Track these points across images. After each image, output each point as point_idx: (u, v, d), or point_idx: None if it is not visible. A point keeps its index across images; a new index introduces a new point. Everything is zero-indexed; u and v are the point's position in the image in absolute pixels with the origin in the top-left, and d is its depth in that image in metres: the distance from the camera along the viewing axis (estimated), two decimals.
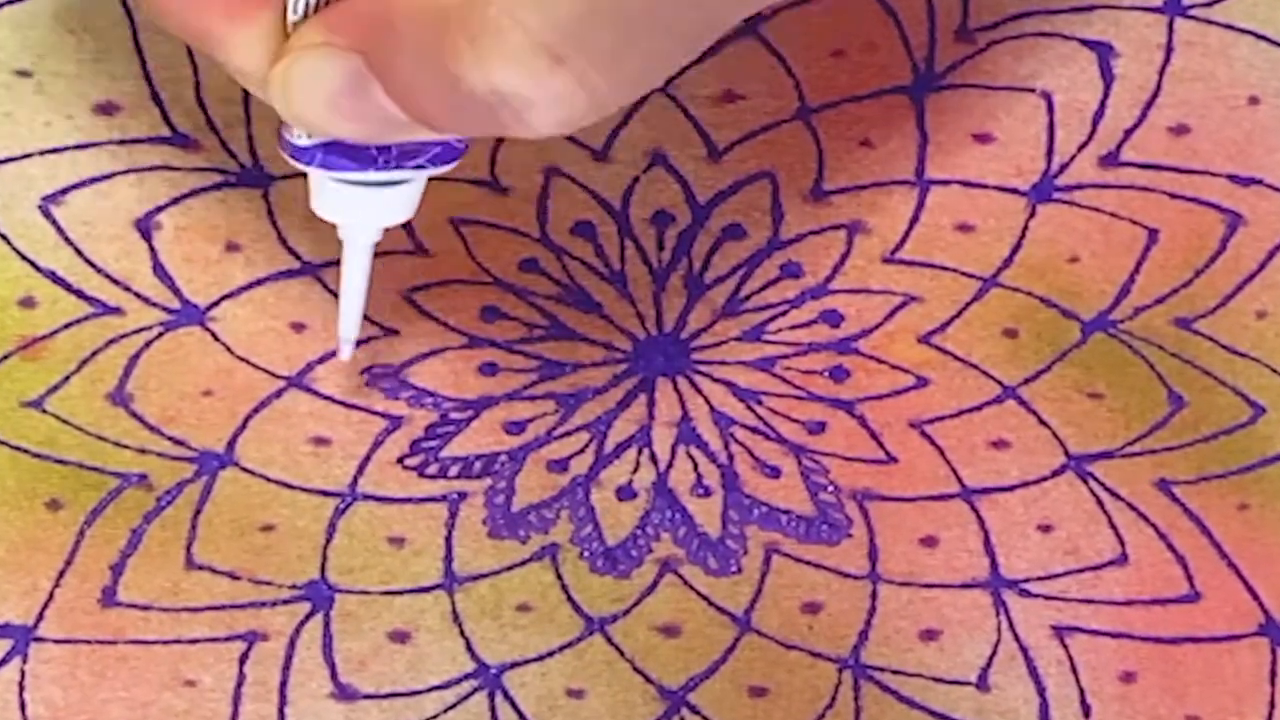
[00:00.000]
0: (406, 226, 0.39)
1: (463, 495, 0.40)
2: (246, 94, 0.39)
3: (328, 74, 0.28)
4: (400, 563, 0.39)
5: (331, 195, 0.33)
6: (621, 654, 0.39)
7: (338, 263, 0.39)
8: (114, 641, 0.38)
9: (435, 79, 0.27)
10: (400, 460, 0.40)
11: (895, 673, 0.40)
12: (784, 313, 0.40)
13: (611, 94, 0.27)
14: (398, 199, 0.33)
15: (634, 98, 0.28)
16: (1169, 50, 0.40)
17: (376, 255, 0.39)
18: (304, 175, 0.39)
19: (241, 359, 0.39)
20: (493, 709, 0.39)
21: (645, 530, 0.40)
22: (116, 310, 0.39)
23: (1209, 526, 0.40)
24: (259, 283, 0.40)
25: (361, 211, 0.33)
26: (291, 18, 0.29)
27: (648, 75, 0.28)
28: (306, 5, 0.29)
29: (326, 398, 0.40)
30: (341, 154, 0.32)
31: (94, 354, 0.39)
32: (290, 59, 0.29)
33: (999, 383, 0.41)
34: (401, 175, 0.32)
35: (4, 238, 0.39)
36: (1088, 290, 0.41)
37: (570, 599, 0.39)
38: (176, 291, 0.39)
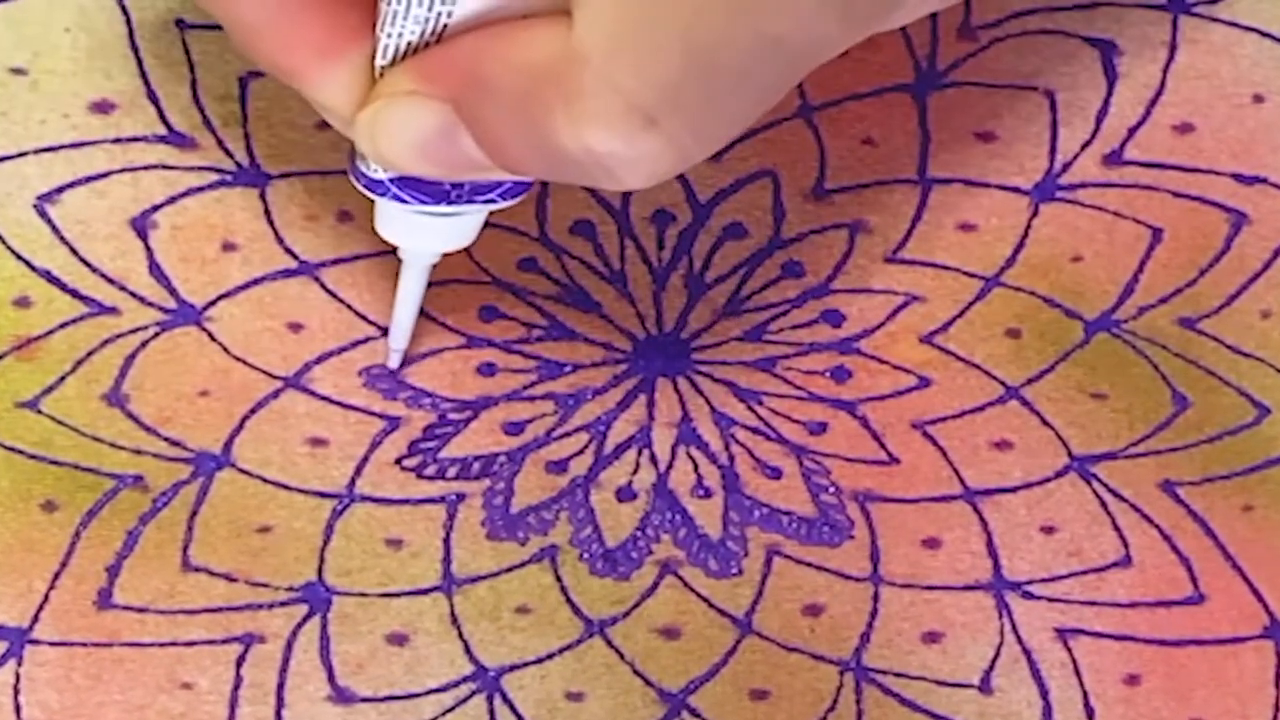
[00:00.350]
0: None
1: (461, 496, 0.39)
2: (243, 93, 0.39)
3: (418, 123, 0.29)
4: (398, 564, 0.39)
5: (397, 221, 0.34)
6: (621, 656, 0.39)
7: (335, 262, 0.39)
8: (110, 644, 0.38)
9: (527, 134, 0.28)
10: (398, 461, 0.39)
11: (897, 675, 0.39)
12: (785, 312, 0.40)
13: (698, 150, 0.28)
14: (463, 226, 0.34)
15: (714, 151, 0.29)
16: (1173, 48, 0.40)
17: (374, 255, 0.39)
18: (301, 174, 0.39)
19: (238, 359, 0.39)
20: (491, 712, 0.39)
21: (645, 532, 0.40)
22: (112, 310, 0.39)
23: (1213, 528, 0.40)
24: (256, 282, 0.39)
25: (426, 238, 0.34)
26: (380, 62, 0.30)
27: (732, 129, 0.29)
28: (395, 51, 0.29)
29: (324, 398, 0.39)
30: (415, 188, 0.32)
31: (89, 354, 0.39)
32: (380, 104, 0.29)
33: (1002, 383, 0.40)
34: (470, 209, 0.33)
35: None
36: (1091, 290, 0.41)
37: (570, 601, 0.39)
38: (173, 291, 0.39)
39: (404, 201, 0.32)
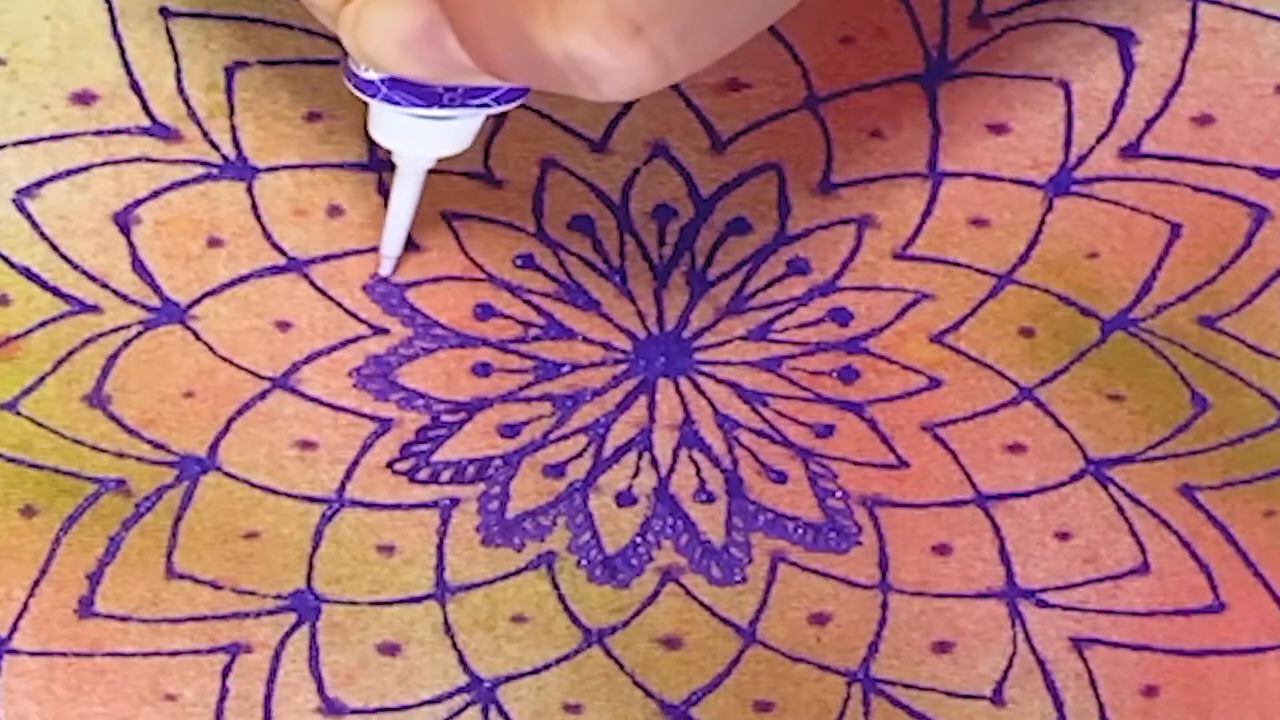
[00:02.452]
0: None
1: (455, 501, 0.39)
2: (230, 83, 0.39)
3: (402, 19, 0.29)
4: (390, 572, 0.39)
5: (390, 124, 0.34)
6: (621, 667, 0.39)
7: (325, 258, 0.39)
8: (91, 654, 0.38)
9: (508, 35, 0.28)
10: (390, 465, 0.39)
11: (907, 686, 0.39)
12: (791, 311, 0.40)
13: (682, 65, 0.28)
14: (456, 131, 0.34)
15: (700, 68, 0.28)
16: (1192, 37, 0.40)
17: (366, 251, 0.39)
18: (290, 167, 0.39)
19: (224, 359, 0.39)
20: None
21: (646, 538, 0.39)
22: (94, 308, 0.39)
23: (1234, 534, 0.40)
24: (242, 279, 0.39)
25: (420, 142, 0.34)
26: None
27: (718, 47, 0.28)
28: None
29: (313, 399, 0.39)
30: (407, 90, 0.32)
31: (70, 354, 0.39)
32: (364, 0, 0.29)
33: (1015, 384, 0.40)
34: (464, 113, 0.33)
35: None
36: (1107, 287, 0.40)
37: (567, 610, 0.39)
38: (156, 289, 0.39)
39: (396, 104, 0.32)
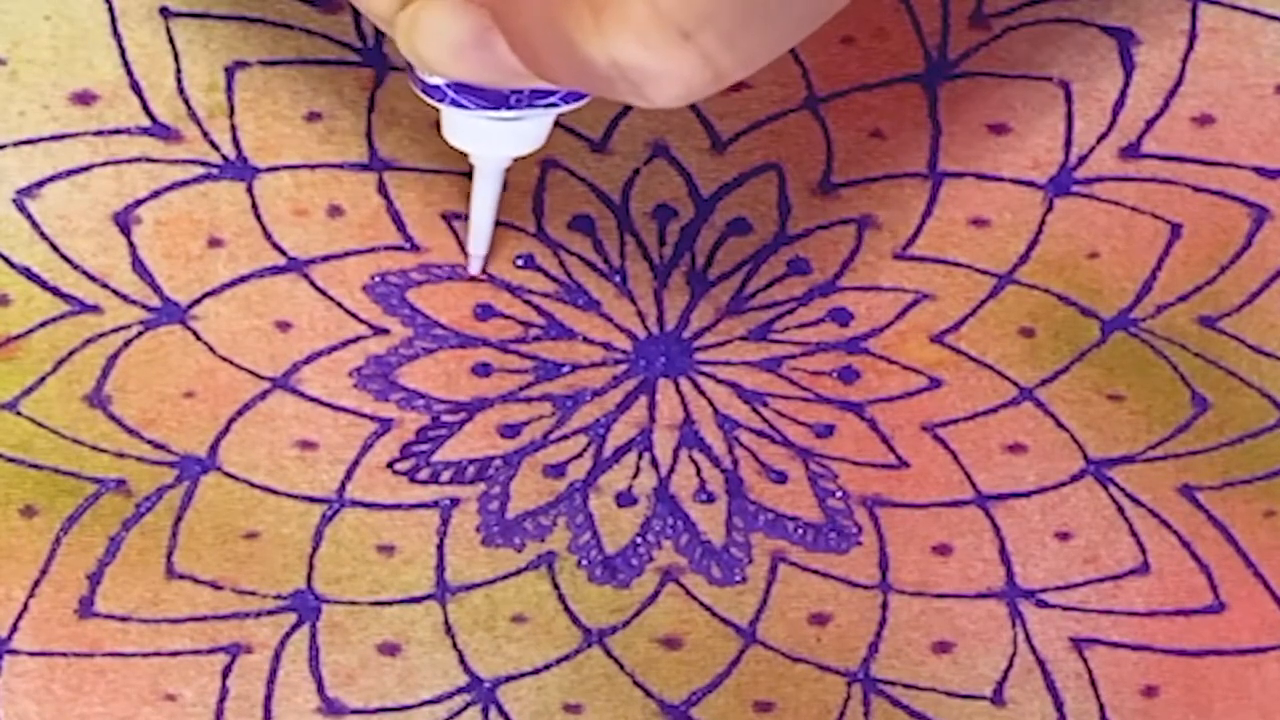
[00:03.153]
0: (397, 221, 0.39)
1: (455, 501, 0.39)
2: (230, 83, 0.39)
3: (454, 26, 0.29)
4: (390, 572, 0.38)
5: (461, 127, 0.34)
6: (621, 667, 0.39)
7: (325, 258, 0.39)
8: (91, 654, 0.38)
9: (555, 42, 0.27)
10: (390, 465, 0.39)
11: (907, 686, 0.39)
12: (791, 311, 0.40)
13: (733, 70, 0.27)
14: (526, 131, 0.34)
15: (750, 73, 0.28)
16: (1192, 37, 0.40)
17: (365, 251, 0.39)
18: (290, 167, 0.39)
19: (224, 359, 0.39)
20: None
21: (646, 538, 0.39)
22: (94, 308, 0.38)
23: (1234, 534, 0.40)
24: (242, 279, 0.39)
25: (492, 143, 0.34)
26: None
27: (768, 51, 0.28)
28: None
29: (313, 400, 0.39)
30: (472, 93, 0.32)
31: (71, 354, 0.38)
32: (418, 6, 0.29)
33: (1015, 384, 0.40)
34: (532, 113, 0.33)
35: None
36: (1108, 287, 0.40)
37: (567, 610, 0.39)
38: (156, 289, 0.39)
39: (464, 107, 0.33)
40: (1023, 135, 0.40)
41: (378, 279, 0.39)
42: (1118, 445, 0.40)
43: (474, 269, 0.39)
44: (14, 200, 0.38)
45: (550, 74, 0.29)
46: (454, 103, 0.32)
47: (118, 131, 0.38)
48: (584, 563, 0.39)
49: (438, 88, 0.32)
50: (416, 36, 0.29)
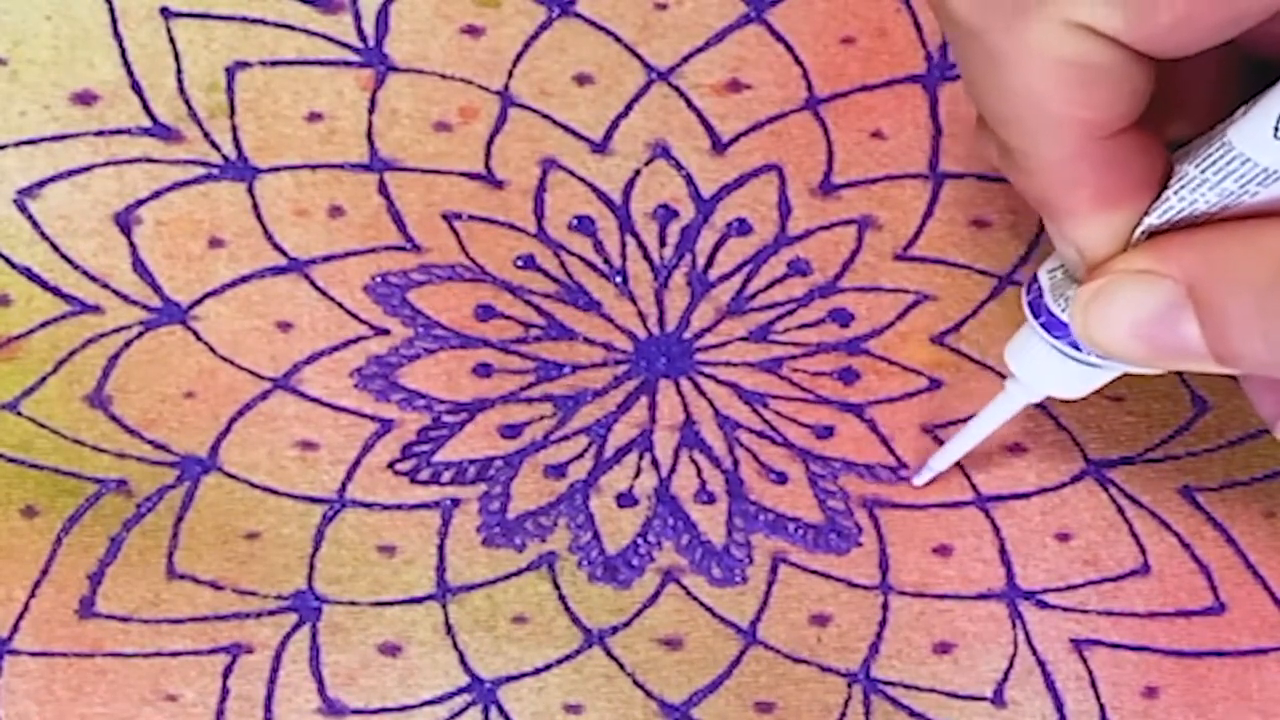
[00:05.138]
0: (398, 221, 0.39)
1: (456, 502, 0.39)
2: (231, 83, 0.39)
3: (1143, 301, 0.28)
4: (391, 572, 0.38)
5: (1034, 355, 0.33)
6: (621, 667, 0.38)
7: (326, 259, 0.39)
8: (92, 654, 0.38)
9: (1261, 325, 0.27)
10: (391, 465, 0.39)
11: (907, 687, 0.39)
12: (791, 312, 0.40)
13: None
14: (1088, 377, 0.33)
15: None
16: None
17: (365, 252, 0.39)
18: (291, 168, 0.39)
19: (225, 359, 0.39)
20: None
21: (646, 538, 0.39)
22: (95, 308, 0.38)
23: (1234, 535, 0.39)
24: (243, 280, 0.39)
25: (1046, 377, 0.34)
26: (1151, 221, 0.29)
27: None
28: (1177, 215, 0.29)
29: (314, 400, 0.39)
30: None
31: (71, 354, 0.38)
32: (1108, 279, 0.29)
33: None
34: (1112, 365, 0.32)
35: None
36: None
37: (568, 610, 0.39)
38: (157, 289, 0.39)
39: (1056, 337, 0.32)
40: None
41: (378, 279, 0.39)
42: (1118, 446, 0.40)
43: (919, 481, 0.39)
44: (15, 200, 0.38)
45: (1236, 357, 0.28)
46: (1071, 343, 0.32)
47: (118, 132, 0.38)
48: (584, 563, 0.39)
49: (1064, 325, 0.32)
50: (1096, 308, 0.29)
